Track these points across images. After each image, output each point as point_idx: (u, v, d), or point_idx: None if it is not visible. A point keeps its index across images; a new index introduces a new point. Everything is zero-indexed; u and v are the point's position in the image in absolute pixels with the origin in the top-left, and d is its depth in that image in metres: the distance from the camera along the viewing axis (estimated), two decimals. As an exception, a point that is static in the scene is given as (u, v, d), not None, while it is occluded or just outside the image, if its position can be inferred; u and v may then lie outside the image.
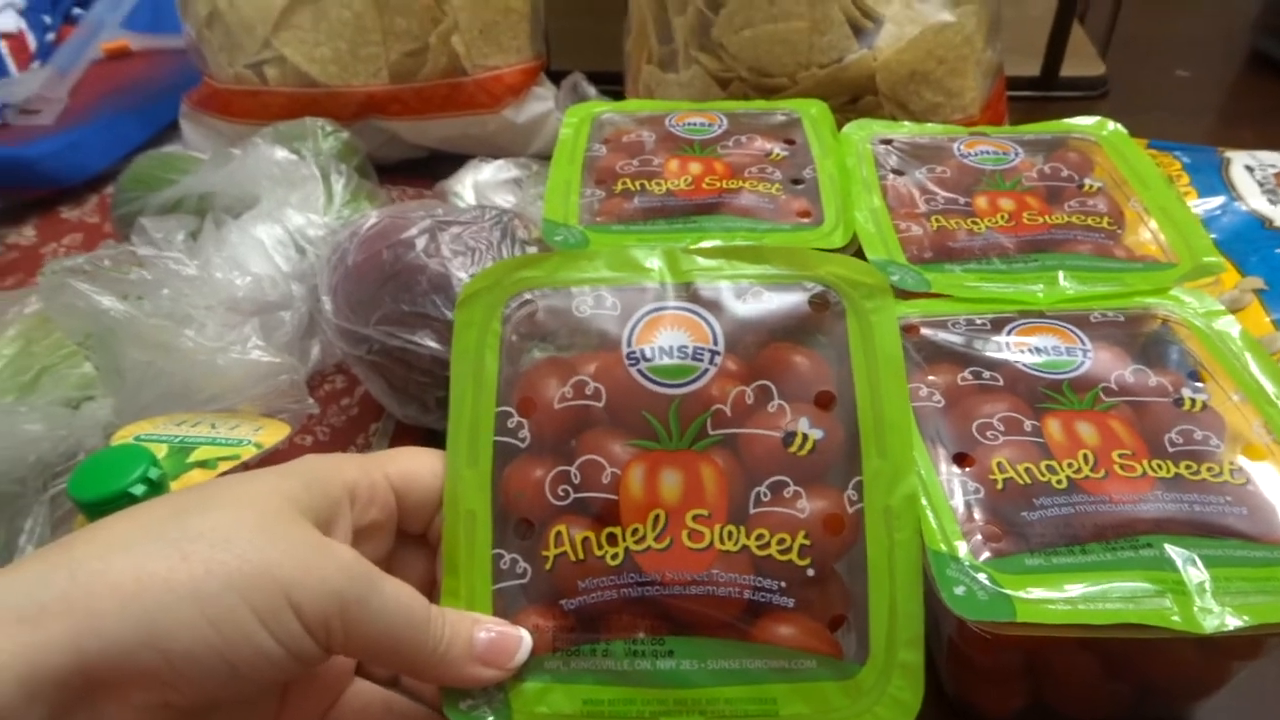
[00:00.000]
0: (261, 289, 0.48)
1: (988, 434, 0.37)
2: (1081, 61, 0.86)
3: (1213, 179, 0.62)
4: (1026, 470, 0.36)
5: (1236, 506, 0.34)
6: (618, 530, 0.32)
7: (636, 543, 0.32)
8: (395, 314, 0.48)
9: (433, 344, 0.48)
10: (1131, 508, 0.34)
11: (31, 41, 0.88)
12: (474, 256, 0.49)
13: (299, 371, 0.47)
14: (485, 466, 0.34)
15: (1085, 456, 0.36)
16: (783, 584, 0.32)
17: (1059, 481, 0.35)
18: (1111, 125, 0.54)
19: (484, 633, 0.31)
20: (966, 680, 0.39)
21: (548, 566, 0.32)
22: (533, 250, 0.51)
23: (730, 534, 0.32)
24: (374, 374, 0.51)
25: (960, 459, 0.37)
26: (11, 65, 0.85)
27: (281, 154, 0.58)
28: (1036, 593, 0.32)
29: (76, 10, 0.93)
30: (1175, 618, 0.31)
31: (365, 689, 0.34)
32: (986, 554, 0.34)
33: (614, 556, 0.32)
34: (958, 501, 0.35)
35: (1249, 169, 0.62)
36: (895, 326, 0.36)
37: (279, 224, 0.55)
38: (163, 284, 0.46)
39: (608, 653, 0.31)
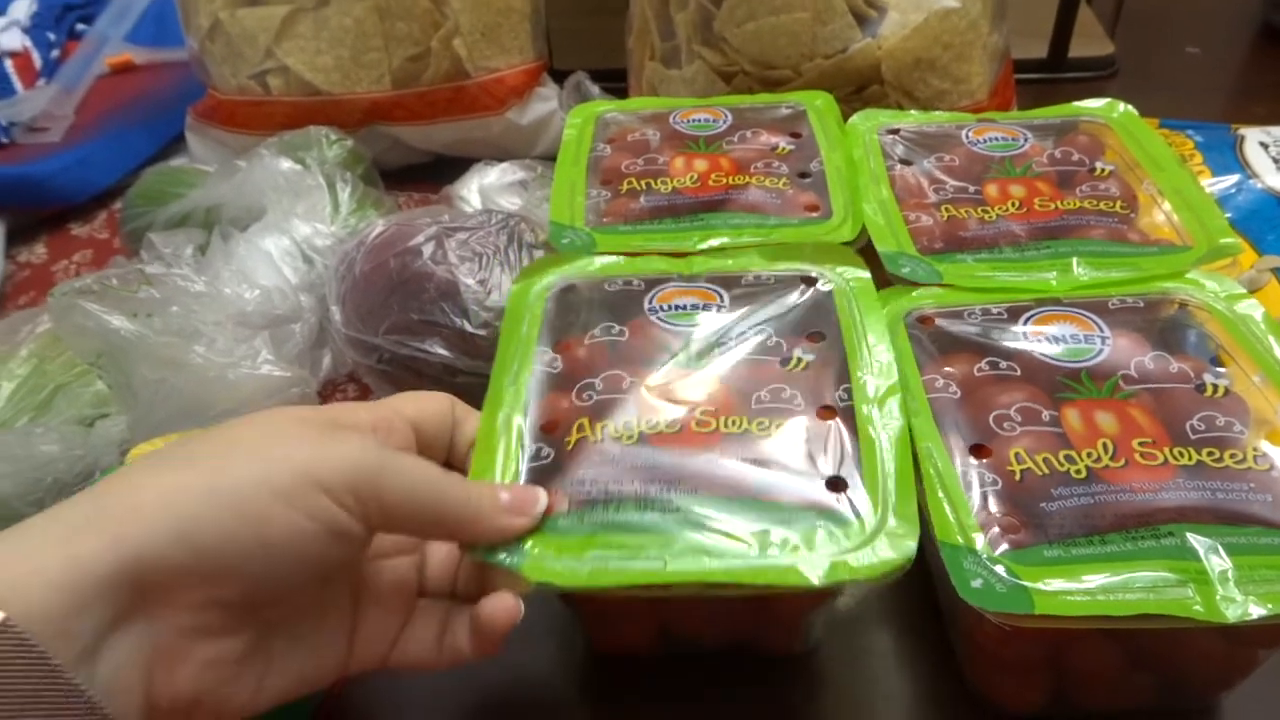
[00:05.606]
0: (270, 302, 0.48)
1: (1005, 425, 0.37)
2: (1089, 41, 0.85)
3: (1227, 157, 0.61)
4: (1045, 461, 0.35)
5: (1261, 494, 0.33)
6: (634, 419, 0.37)
7: (650, 428, 0.37)
8: (404, 322, 0.48)
9: (442, 351, 0.48)
10: (1152, 497, 0.34)
11: (37, 59, 0.88)
12: (481, 262, 0.49)
13: (310, 384, 0.47)
14: (522, 385, 0.39)
15: (1105, 446, 0.35)
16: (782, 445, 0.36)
17: (1078, 471, 0.35)
18: (1122, 107, 0.54)
19: (505, 493, 0.34)
20: (987, 673, 0.39)
21: (569, 448, 0.36)
22: (540, 254, 0.51)
23: (735, 421, 0.37)
24: (385, 383, 0.51)
25: (977, 450, 0.36)
26: (18, 83, 0.85)
27: (287, 164, 0.58)
28: (1055, 584, 0.32)
29: (80, 26, 0.93)
30: (1197, 607, 0.30)
31: (430, 606, 0.35)
32: (1004, 546, 0.33)
33: (629, 438, 0.36)
34: (974, 493, 0.35)
35: (1263, 145, 0.61)
36: (873, 289, 0.43)
37: (286, 235, 0.55)
38: (171, 301, 0.46)
39: (620, 509, 0.34)
